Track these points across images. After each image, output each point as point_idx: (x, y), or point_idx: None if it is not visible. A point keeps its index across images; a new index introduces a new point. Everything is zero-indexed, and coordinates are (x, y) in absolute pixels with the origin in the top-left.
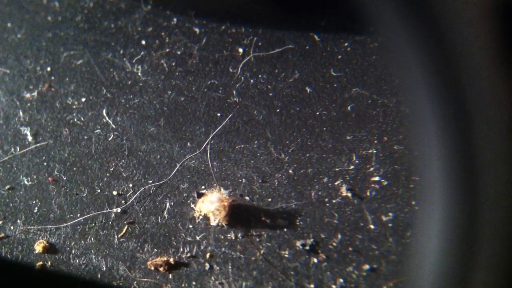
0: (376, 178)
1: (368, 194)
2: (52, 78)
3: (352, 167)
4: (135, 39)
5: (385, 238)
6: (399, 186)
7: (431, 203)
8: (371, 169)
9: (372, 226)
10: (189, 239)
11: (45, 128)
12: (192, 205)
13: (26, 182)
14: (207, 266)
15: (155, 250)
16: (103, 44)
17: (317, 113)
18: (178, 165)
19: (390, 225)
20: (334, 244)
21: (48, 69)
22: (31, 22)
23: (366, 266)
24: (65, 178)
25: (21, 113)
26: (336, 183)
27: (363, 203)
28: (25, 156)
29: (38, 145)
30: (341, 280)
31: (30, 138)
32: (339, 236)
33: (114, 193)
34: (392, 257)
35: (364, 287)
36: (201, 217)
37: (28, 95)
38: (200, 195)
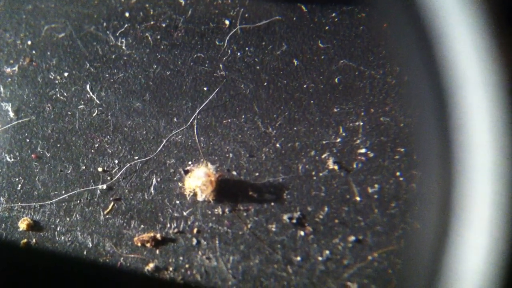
0: (363, 150)
1: (354, 166)
2: (33, 52)
3: (339, 139)
4: (119, 11)
5: (370, 209)
6: (385, 158)
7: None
8: (358, 141)
9: (358, 198)
10: (176, 214)
11: (27, 103)
12: (179, 182)
13: (8, 159)
14: (195, 241)
15: (142, 226)
16: (86, 17)
17: (305, 86)
18: (164, 141)
19: (375, 196)
20: (321, 216)
21: (29, 42)
22: None
23: (352, 238)
24: (48, 155)
25: (1, 89)
26: (323, 156)
27: (349, 176)
28: (7, 133)
29: (20, 121)
30: (327, 252)
31: (11, 114)
32: (326, 208)
33: (100, 169)
34: (377, 228)
35: (350, 258)
36: (188, 192)
37: (8, 70)
38: (186, 172)
